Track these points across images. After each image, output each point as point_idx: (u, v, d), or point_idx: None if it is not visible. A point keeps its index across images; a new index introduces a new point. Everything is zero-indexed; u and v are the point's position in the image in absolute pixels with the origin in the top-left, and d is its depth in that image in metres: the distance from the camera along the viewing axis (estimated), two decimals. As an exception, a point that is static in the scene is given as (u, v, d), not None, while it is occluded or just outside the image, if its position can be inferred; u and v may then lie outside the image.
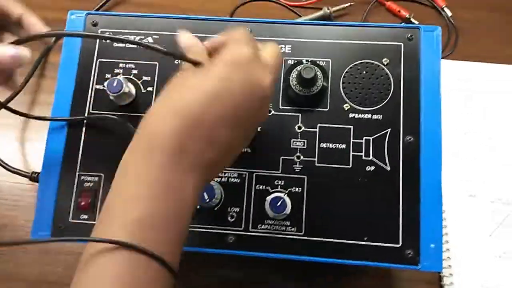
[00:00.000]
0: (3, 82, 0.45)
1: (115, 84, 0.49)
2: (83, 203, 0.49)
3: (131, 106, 0.51)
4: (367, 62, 0.51)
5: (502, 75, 0.72)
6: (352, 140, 0.50)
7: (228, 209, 0.49)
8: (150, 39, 0.53)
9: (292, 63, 0.52)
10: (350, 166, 0.49)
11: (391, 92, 0.50)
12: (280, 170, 0.49)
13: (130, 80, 0.52)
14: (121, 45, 0.53)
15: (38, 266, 0.61)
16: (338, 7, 0.75)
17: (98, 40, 0.54)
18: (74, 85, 0.52)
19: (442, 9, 0.77)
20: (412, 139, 0.49)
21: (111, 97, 0.50)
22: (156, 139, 0.33)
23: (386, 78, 0.51)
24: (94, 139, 0.51)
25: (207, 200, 0.47)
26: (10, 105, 0.49)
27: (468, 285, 0.59)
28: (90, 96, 0.52)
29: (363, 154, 0.49)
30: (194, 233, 0.48)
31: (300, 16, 0.76)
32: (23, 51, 0.40)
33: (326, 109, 0.50)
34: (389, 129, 0.49)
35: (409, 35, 0.51)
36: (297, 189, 0.49)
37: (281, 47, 0.52)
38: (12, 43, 0.39)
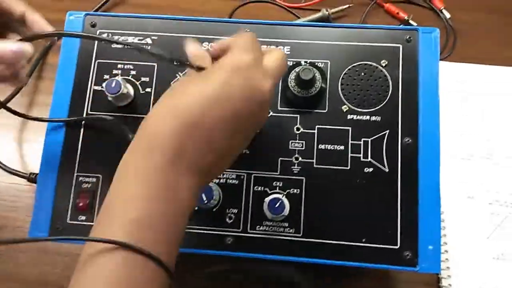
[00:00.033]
0: (10, 78, 0.45)
1: (113, 85, 0.49)
2: (81, 204, 0.49)
3: (129, 107, 0.51)
4: (365, 64, 0.51)
5: (501, 77, 0.72)
6: (350, 141, 0.50)
7: (226, 210, 0.49)
8: (148, 40, 0.53)
9: (291, 64, 0.52)
10: (348, 168, 0.49)
11: (389, 94, 0.50)
12: (278, 171, 0.49)
13: (128, 81, 0.52)
14: (119, 46, 0.53)
15: (36, 266, 0.61)
16: (336, 9, 0.76)
17: (96, 41, 0.53)
18: (72, 86, 0.52)
19: (441, 11, 0.77)
20: (410, 140, 0.49)
21: (110, 98, 0.50)
22: (156, 139, 0.33)
23: (385, 79, 0.51)
24: (92, 140, 0.51)
25: (205, 201, 0.47)
26: (8, 106, 0.49)
27: (466, 287, 0.59)
28: (88, 97, 0.52)
29: (361, 155, 0.49)
30: (192, 234, 0.48)
31: (299, 18, 0.76)
32: (25, 46, 0.40)
33: (325, 111, 0.51)
34: (388, 131, 0.49)
35: (408, 37, 0.51)
36: (295, 190, 0.49)
37: (280, 48, 0.52)
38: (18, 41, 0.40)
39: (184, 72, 0.52)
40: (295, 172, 0.49)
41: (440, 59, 0.71)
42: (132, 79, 0.52)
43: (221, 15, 0.76)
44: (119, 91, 0.49)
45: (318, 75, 0.50)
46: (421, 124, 0.49)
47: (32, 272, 0.61)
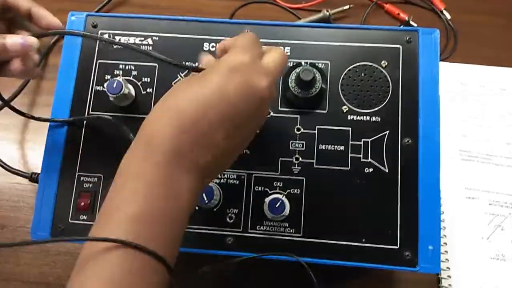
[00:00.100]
0: (26, 72, 0.47)
1: (115, 85, 0.49)
2: (82, 204, 0.49)
3: (130, 107, 0.52)
4: (365, 65, 0.51)
5: (501, 78, 0.72)
6: (350, 142, 0.50)
7: (226, 210, 0.49)
8: (149, 41, 0.53)
9: (291, 65, 0.52)
10: (348, 168, 0.49)
11: (389, 95, 0.51)
12: (279, 171, 0.50)
13: (129, 81, 0.52)
14: (120, 46, 0.53)
15: (37, 266, 0.61)
16: (337, 10, 0.76)
17: (98, 41, 0.54)
18: (73, 86, 0.52)
19: (441, 11, 0.77)
20: (410, 141, 0.49)
21: (111, 98, 0.50)
22: (155, 140, 0.34)
23: (385, 80, 0.51)
24: (93, 140, 0.51)
25: (206, 201, 0.47)
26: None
27: (466, 287, 0.59)
28: (89, 98, 0.52)
29: (361, 156, 0.49)
30: (192, 234, 0.48)
31: (300, 18, 0.77)
32: (31, 39, 0.43)
33: (325, 111, 0.51)
34: (388, 131, 0.50)
35: (408, 38, 0.52)
36: (295, 190, 0.49)
37: (280, 47, 0.52)
38: None
39: (185, 73, 0.52)
40: (295, 172, 0.49)
41: (441, 60, 0.72)
42: (133, 79, 0.52)
43: (222, 15, 0.76)
44: (120, 91, 0.49)
45: (318, 76, 0.50)
46: (421, 124, 0.49)
47: (33, 271, 0.61)
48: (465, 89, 0.72)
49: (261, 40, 0.51)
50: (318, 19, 0.75)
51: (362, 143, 0.50)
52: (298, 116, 0.51)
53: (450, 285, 0.59)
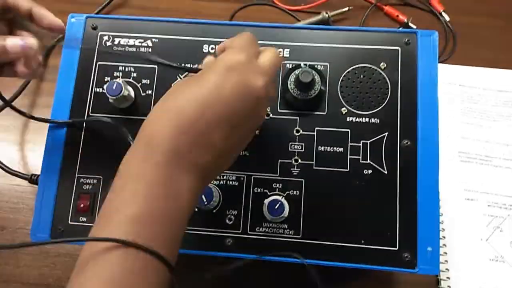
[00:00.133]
0: (29, 74, 0.48)
1: (114, 87, 0.49)
2: (82, 205, 0.49)
3: (130, 109, 0.52)
4: (364, 66, 0.52)
5: (499, 80, 0.72)
6: (349, 143, 0.50)
7: (226, 212, 0.49)
8: (149, 43, 0.53)
9: (290, 67, 0.52)
10: (347, 170, 0.49)
11: (388, 96, 0.51)
12: (278, 173, 0.50)
13: (129, 83, 0.52)
14: (120, 48, 0.54)
15: (37, 268, 0.61)
16: (336, 12, 0.76)
17: (97, 43, 0.54)
18: (73, 88, 0.53)
19: (440, 13, 0.77)
20: (409, 143, 0.49)
21: (111, 100, 0.50)
22: (154, 140, 0.34)
23: (384, 82, 0.51)
24: (93, 142, 0.51)
25: (205, 203, 0.47)
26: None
27: (465, 289, 0.59)
28: (89, 99, 0.52)
29: (360, 157, 0.49)
30: (192, 236, 0.49)
31: (299, 21, 0.77)
32: (30, 41, 0.44)
33: (324, 113, 0.51)
34: (387, 133, 0.50)
35: (406, 40, 0.52)
36: (295, 192, 0.49)
37: (280, 51, 0.53)
38: None
39: (184, 74, 0.52)
40: (294, 174, 0.50)
41: (439, 62, 0.72)
42: (133, 81, 0.52)
43: (222, 17, 0.76)
44: (120, 93, 0.49)
45: (317, 78, 0.50)
46: (420, 126, 0.50)
47: (33, 273, 0.61)
48: (464, 91, 0.72)
49: (261, 42, 0.52)
50: (317, 21, 0.75)
51: (361, 144, 0.50)
52: (297, 117, 0.51)
53: (449, 286, 0.59)
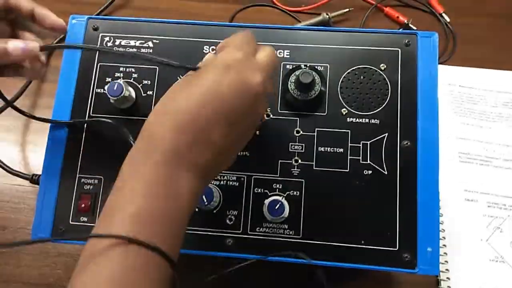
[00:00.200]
0: (33, 74, 0.49)
1: (115, 88, 0.49)
2: (83, 205, 0.49)
3: (131, 109, 0.52)
4: (364, 67, 0.52)
5: (500, 81, 0.72)
6: (349, 144, 0.50)
7: (226, 212, 0.49)
8: (150, 44, 0.54)
9: (291, 68, 0.52)
10: (347, 170, 0.49)
11: (388, 97, 0.51)
12: (278, 173, 0.50)
13: (130, 84, 0.52)
14: (121, 49, 0.54)
15: (37, 268, 0.61)
16: (337, 13, 0.76)
17: (99, 44, 0.54)
18: (74, 88, 0.53)
19: (440, 15, 0.78)
20: (409, 143, 0.49)
21: (112, 101, 0.50)
22: (155, 140, 0.35)
23: (384, 83, 0.51)
24: (94, 142, 0.52)
25: (206, 203, 0.47)
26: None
27: (465, 289, 0.59)
28: (90, 100, 0.53)
29: (360, 158, 0.50)
30: (192, 236, 0.49)
31: (300, 22, 0.77)
32: (31, 44, 0.44)
33: (324, 114, 0.51)
34: (387, 134, 0.50)
35: (406, 41, 0.52)
36: (295, 192, 0.49)
37: (280, 52, 0.53)
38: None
39: (186, 75, 0.52)
40: (294, 174, 0.50)
41: (440, 63, 0.72)
42: (134, 82, 0.53)
43: (222, 19, 0.77)
44: (121, 94, 0.49)
45: (317, 79, 0.50)
46: (420, 127, 0.50)
47: (34, 273, 0.61)
48: (464, 92, 0.72)
49: (261, 43, 0.52)
50: (318, 22, 0.75)
51: (361, 145, 0.50)
52: (298, 118, 0.51)
53: (449, 287, 0.59)
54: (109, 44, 0.54)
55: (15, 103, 0.51)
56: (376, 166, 0.49)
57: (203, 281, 0.49)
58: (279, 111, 0.51)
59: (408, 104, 0.50)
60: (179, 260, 0.35)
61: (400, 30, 0.76)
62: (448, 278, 0.59)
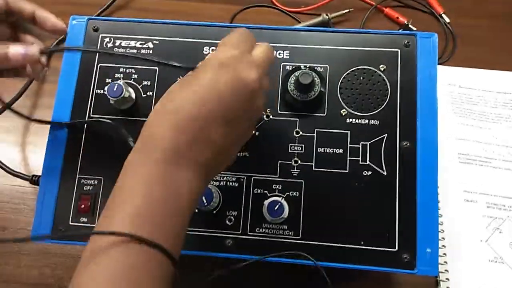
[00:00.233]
0: (33, 74, 0.49)
1: (115, 88, 0.49)
2: (83, 206, 0.49)
3: (131, 110, 0.52)
4: (364, 68, 0.52)
5: (499, 82, 0.72)
6: (349, 145, 0.50)
7: (226, 212, 0.49)
8: (150, 44, 0.54)
9: (290, 68, 0.52)
10: (347, 171, 0.49)
11: (387, 98, 0.51)
12: (278, 174, 0.50)
13: (130, 84, 0.52)
14: (121, 50, 0.54)
15: (37, 268, 0.61)
16: (337, 13, 0.76)
17: (99, 45, 0.54)
18: (74, 89, 0.53)
19: (440, 15, 0.78)
20: (408, 144, 0.49)
21: (112, 102, 0.50)
22: (154, 140, 0.35)
23: (383, 84, 0.51)
24: (94, 143, 0.52)
25: (206, 204, 0.47)
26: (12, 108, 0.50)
27: (465, 290, 0.59)
28: (90, 100, 0.53)
29: (360, 159, 0.50)
30: (192, 237, 0.49)
31: (300, 22, 0.77)
32: (32, 49, 0.44)
33: (324, 114, 0.51)
34: (386, 134, 0.50)
35: (406, 42, 0.52)
36: (294, 193, 0.49)
37: (280, 52, 0.53)
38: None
39: (187, 75, 0.52)
40: (294, 175, 0.50)
41: (439, 63, 0.72)
42: (134, 82, 0.53)
43: (222, 19, 0.77)
44: (121, 94, 0.49)
45: (317, 79, 0.50)
46: (419, 127, 0.50)
47: (33, 273, 0.61)
48: (464, 93, 0.72)
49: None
50: (317, 23, 0.75)
51: (360, 146, 0.50)
52: (297, 119, 0.51)
53: (448, 287, 0.59)
54: (109, 45, 0.54)
55: (16, 103, 0.51)
56: (375, 167, 0.49)
57: (203, 281, 0.49)
58: (279, 111, 0.52)
59: (408, 105, 0.51)
60: (179, 260, 0.35)
61: (400, 31, 0.76)
62: (448, 279, 0.59)
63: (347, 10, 0.76)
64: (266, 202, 0.48)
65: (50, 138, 0.52)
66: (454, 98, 0.71)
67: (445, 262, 0.60)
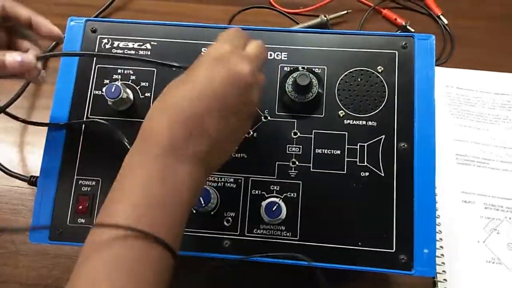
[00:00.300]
0: (30, 78, 0.49)
1: (113, 89, 0.49)
2: (80, 207, 0.49)
3: (129, 111, 0.52)
4: (362, 70, 0.52)
5: (497, 83, 0.72)
6: (346, 146, 0.50)
7: (224, 213, 0.49)
8: (148, 46, 0.54)
9: (288, 70, 0.52)
10: (344, 172, 0.50)
11: (385, 99, 0.51)
12: (275, 175, 0.50)
13: (128, 85, 0.52)
14: (119, 51, 0.54)
15: (36, 269, 0.61)
16: (335, 15, 0.76)
17: (97, 46, 0.54)
18: (72, 90, 0.53)
19: (438, 17, 0.78)
20: (406, 145, 0.50)
21: (110, 103, 0.50)
22: (152, 136, 0.36)
23: (381, 85, 0.51)
24: (92, 144, 0.52)
25: (203, 205, 0.48)
26: (9, 109, 0.49)
27: (462, 291, 0.59)
28: (88, 101, 0.53)
29: (357, 160, 0.50)
30: (190, 237, 0.49)
31: (298, 23, 0.77)
32: (29, 58, 0.45)
33: (322, 116, 0.51)
34: (383, 136, 0.50)
35: (403, 43, 0.52)
36: (292, 194, 0.49)
37: (278, 54, 0.53)
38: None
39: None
40: (292, 176, 0.50)
41: (437, 65, 0.72)
42: (131, 84, 0.53)
43: (221, 21, 0.77)
44: (119, 95, 0.49)
45: (315, 81, 0.50)
46: (416, 129, 0.50)
47: (32, 274, 0.61)
48: (462, 94, 0.72)
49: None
50: (316, 24, 0.76)
51: (358, 147, 0.50)
52: (295, 120, 0.51)
53: (446, 288, 0.59)
54: (107, 46, 0.54)
55: (14, 104, 0.51)
56: (373, 168, 0.49)
57: (201, 281, 0.49)
58: (277, 113, 0.52)
59: (405, 106, 0.51)
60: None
61: (397, 32, 0.76)
62: (445, 280, 0.60)
63: (345, 12, 0.77)
64: (264, 203, 0.48)
65: (48, 139, 0.52)
66: (452, 99, 0.72)
67: (443, 263, 0.60)
